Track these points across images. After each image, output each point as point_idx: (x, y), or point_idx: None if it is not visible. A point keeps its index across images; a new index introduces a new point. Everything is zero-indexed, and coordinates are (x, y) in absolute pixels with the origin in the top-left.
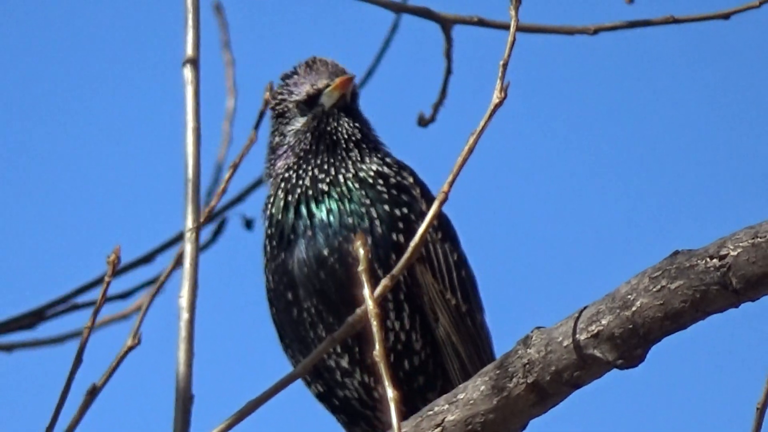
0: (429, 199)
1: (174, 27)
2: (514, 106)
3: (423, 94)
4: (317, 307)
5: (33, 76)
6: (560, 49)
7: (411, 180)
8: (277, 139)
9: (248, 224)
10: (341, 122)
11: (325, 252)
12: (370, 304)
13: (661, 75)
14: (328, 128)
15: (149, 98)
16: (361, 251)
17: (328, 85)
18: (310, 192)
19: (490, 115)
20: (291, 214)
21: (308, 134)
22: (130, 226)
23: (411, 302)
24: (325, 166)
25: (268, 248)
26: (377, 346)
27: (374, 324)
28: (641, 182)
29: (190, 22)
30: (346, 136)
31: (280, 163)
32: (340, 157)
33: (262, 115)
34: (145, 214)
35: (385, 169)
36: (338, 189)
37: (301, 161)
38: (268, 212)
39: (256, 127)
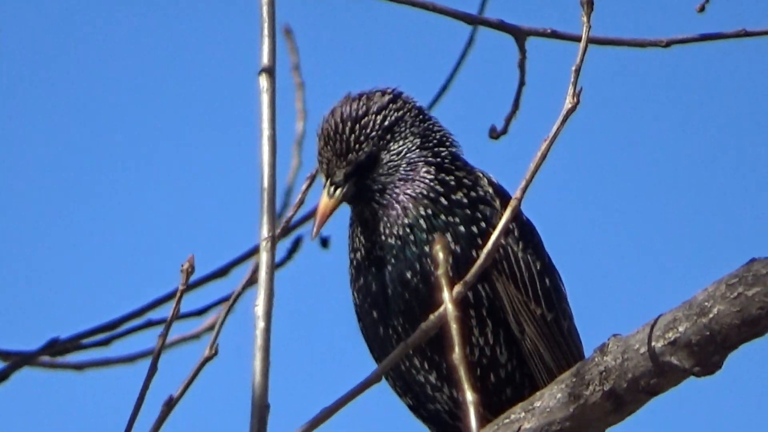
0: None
1: (250, 38)
2: (586, 115)
3: (496, 106)
4: (404, 326)
5: (107, 84)
6: (633, 61)
7: (491, 190)
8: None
9: (324, 243)
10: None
11: (408, 274)
12: (449, 308)
13: (734, 87)
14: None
15: (224, 112)
16: (440, 255)
17: None
18: (391, 217)
19: (563, 121)
20: (373, 236)
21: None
22: (205, 241)
23: (493, 316)
24: (400, 198)
25: (352, 266)
26: (456, 350)
27: (453, 327)
28: (717, 191)
29: (265, 32)
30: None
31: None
32: (417, 183)
33: None
34: (220, 229)
35: (461, 184)
36: (417, 211)
37: (385, 187)
38: (352, 231)
39: None
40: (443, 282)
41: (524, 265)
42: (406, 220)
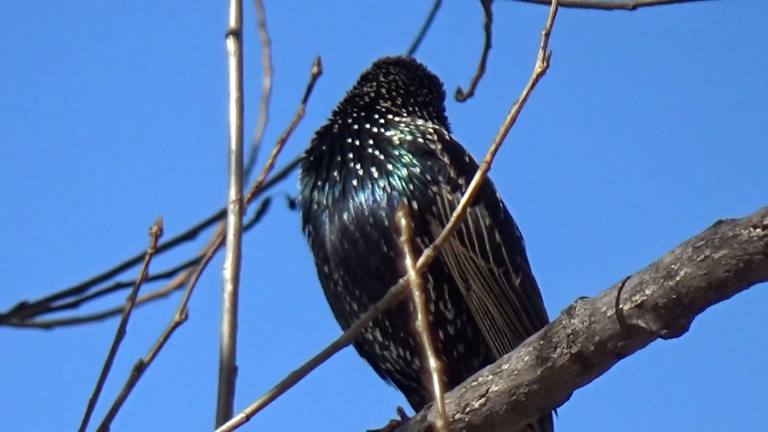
0: (460, 165)
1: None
2: (554, 79)
3: (463, 68)
4: (344, 279)
5: (73, 46)
6: (599, 24)
7: (440, 146)
8: None
9: (292, 204)
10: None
11: (346, 219)
12: (412, 275)
13: (699, 49)
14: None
15: (191, 74)
16: (403, 221)
17: None
18: (330, 164)
19: (533, 85)
20: (315, 188)
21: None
22: (173, 203)
23: (436, 272)
24: (342, 134)
25: (302, 222)
26: (419, 317)
27: (416, 295)
28: (684, 152)
29: None
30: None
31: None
32: (356, 128)
33: (309, 89)
34: (187, 191)
35: (405, 136)
36: (355, 156)
37: (321, 136)
38: (299, 189)
39: (304, 101)
40: (406, 250)
41: (471, 221)
42: (342, 159)
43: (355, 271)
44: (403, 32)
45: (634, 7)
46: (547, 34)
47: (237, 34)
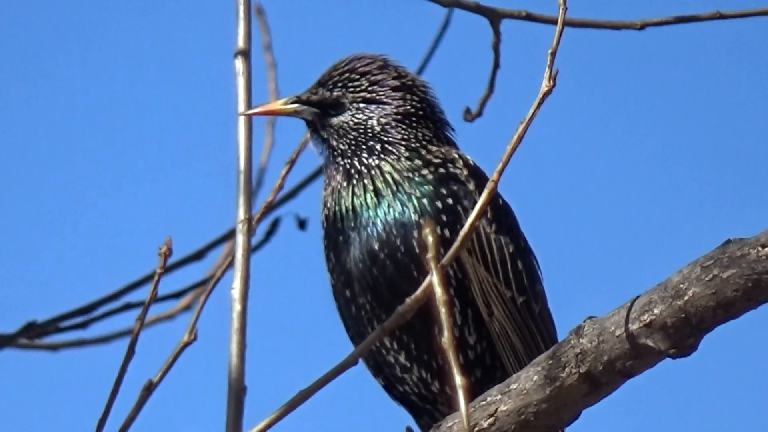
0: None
1: (225, 20)
2: (561, 98)
3: (471, 88)
4: (371, 304)
5: (82, 65)
6: (607, 44)
7: (465, 171)
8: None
9: (302, 224)
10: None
11: (376, 247)
12: (438, 292)
13: (707, 69)
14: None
15: (199, 94)
16: (430, 238)
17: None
18: (357, 189)
19: (539, 104)
20: (341, 212)
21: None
22: (181, 223)
23: (462, 297)
24: (365, 164)
25: (324, 246)
26: (446, 333)
27: (443, 311)
28: (692, 171)
29: (241, 14)
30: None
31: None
32: (381, 152)
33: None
34: (196, 212)
35: (431, 161)
36: (383, 184)
37: (346, 159)
38: (322, 211)
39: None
40: (432, 266)
41: (496, 247)
42: (371, 187)
43: (382, 294)
44: (412, 52)
45: (642, 27)
46: (553, 54)
47: (245, 54)
